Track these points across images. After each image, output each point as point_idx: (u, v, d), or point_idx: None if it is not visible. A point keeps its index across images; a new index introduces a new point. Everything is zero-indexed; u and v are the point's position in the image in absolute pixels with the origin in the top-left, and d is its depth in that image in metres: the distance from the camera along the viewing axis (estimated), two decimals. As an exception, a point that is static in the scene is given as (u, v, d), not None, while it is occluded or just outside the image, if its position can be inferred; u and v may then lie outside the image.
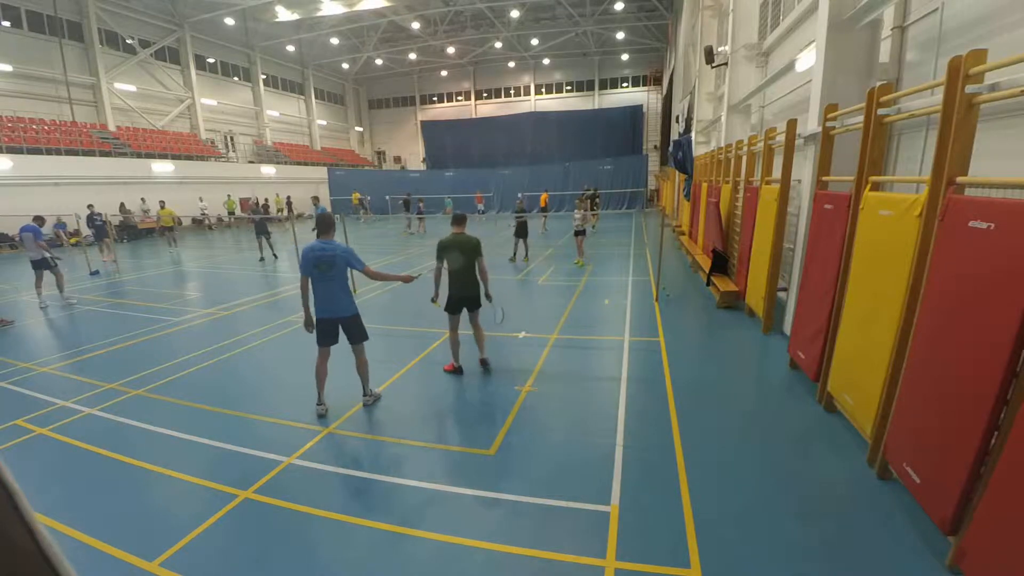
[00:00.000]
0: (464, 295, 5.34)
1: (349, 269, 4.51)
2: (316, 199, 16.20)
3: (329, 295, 4.46)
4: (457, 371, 5.57)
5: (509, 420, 4.54)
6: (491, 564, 2.88)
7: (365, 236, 20.53)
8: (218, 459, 4.04)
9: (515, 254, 12.84)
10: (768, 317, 6.70)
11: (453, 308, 5.42)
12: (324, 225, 4.47)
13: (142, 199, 21.45)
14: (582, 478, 3.65)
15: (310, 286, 4.41)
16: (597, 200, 19.15)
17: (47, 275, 9.44)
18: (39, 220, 9.85)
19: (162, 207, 17.93)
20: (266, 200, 22.56)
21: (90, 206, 15.07)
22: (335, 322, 4.57)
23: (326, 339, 4.61)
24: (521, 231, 12.64)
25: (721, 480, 3.59)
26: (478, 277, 5.37)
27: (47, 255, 9.31)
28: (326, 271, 4.36)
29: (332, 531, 3.18)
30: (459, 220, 5.36)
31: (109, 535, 3.15)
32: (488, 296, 5.47)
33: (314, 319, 4.54)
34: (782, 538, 3.00)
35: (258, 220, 14.77)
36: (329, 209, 32.27)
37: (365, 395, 4.87)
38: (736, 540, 3.00)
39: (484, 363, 5.66)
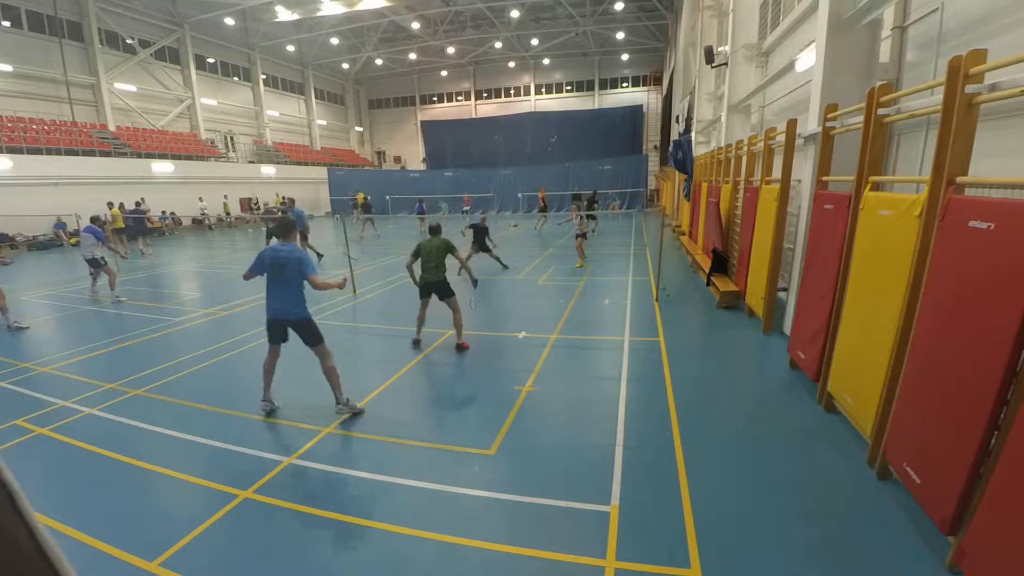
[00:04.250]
0: (428, 280, 6.24)
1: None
2: (291, 200, 15.36)
3: (280, 297, 4.48)
4: (414, 343, 6.50)
5: (509, 420, 4.54)
6: (491, 564, 2.88)
7: (365, 237, 20.51)
8: (218, 459, 4.03)
9: (500, 262, 11.90)
10: (768, 317, 6.69)
11: (422, 292, 6.35)
12: (283, 228, 4.56)
13: (142, 199, 21.43)
14: (582, 478, 3.65)
15: (264, 283, 4.54)
16: (595, 204, 18.51)
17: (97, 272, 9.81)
18: (97, 220, 10.09)
19: (110, 207, 16.83)
20: (264, 201, 22.56)
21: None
22: (284, 323, 4.59)
23: (275, 337, 4.70)
24: (479, 242, 11.44)
25: (721, 480, 3.59)
26: (445, 268, 6.30)
27: (100, 255, 9.68)
28: (278, 273, 4.40)
29: (332, 531, 3.18)
30: (434, 230, 6.45)
31: (109, 535, 3.15)
32: (474, 280, 6.69)
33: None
34: (782, 538, 3.00)
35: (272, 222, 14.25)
36: (330, 209, 32.39)
37: (338, 404, 4.58)
38: (736, 540, 3.00)
39: (459, 348, 6.26)
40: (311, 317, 4.60)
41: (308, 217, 15.58)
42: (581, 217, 12.34)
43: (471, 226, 11.85)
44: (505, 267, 11.94)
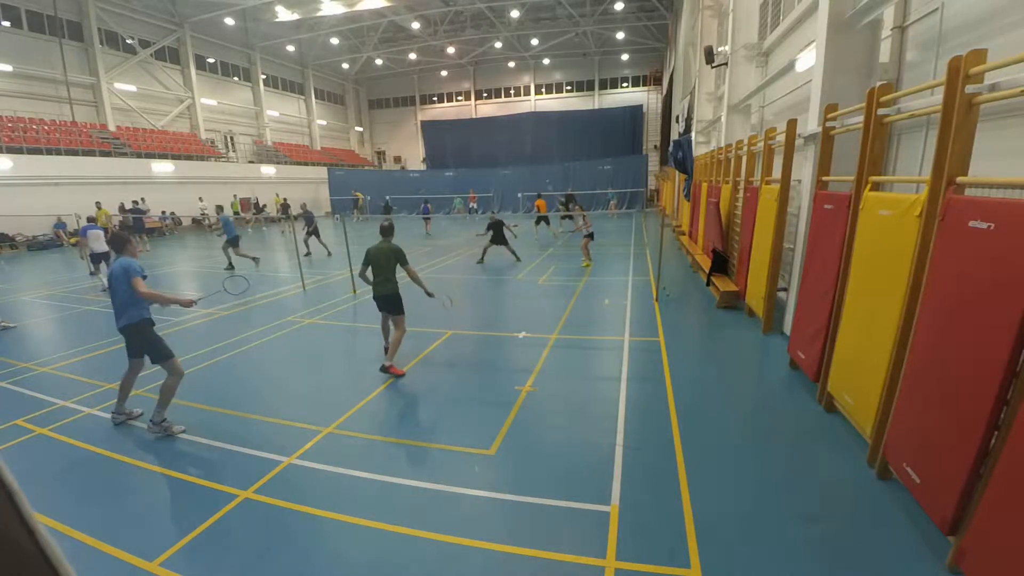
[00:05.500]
0: (378, 294, 5.68)
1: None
2: (219, 208, 15.46)
3: (115, 308, 4.41)
4: (386, 350, 5.87)
5: (509, 420, 4.54)
6: (491, 564, 2.88)
7: (362, 236, 20.52)
8: (218, 459, 4.04)
9: (515, 255, 12.81)
10: (768, 317, 6.69)
11: (377, 305, 5.82)
12: (114, 244, 4.53)
13: (142, 199, 21.46)
14: (582, 478, 3.65)
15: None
16: (567, 206, 18.61)
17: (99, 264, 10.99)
18: (93, 220, 11.97)
19: (99, 207, 17.20)
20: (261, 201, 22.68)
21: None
22: (123, 334, 4.46)
23: (128, 351, 4.57)
24: (498, 238, 12.57)
25: (721, 480, 3.59)
26: (395, 279, 5.67)
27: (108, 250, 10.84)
28: (110, 285, 4.40)
29: (332, 531, 3.18)
30: (384, 231, 5.74)
31: (109, 535, 3.15)
32: (429, 294, 5.88)
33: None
34: (782, 538, 3.00)
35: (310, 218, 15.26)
36: (329, 209, 32.35)
37: (151, 421, 4.38)
38: (736, 540, 3.00)
39: (383, 369, 5.52)
40: (138, 322, 4.38)
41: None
42: (584, 217, 12.31)
43: (488, 226, 12.70)
44: (518, 259, 12.75)
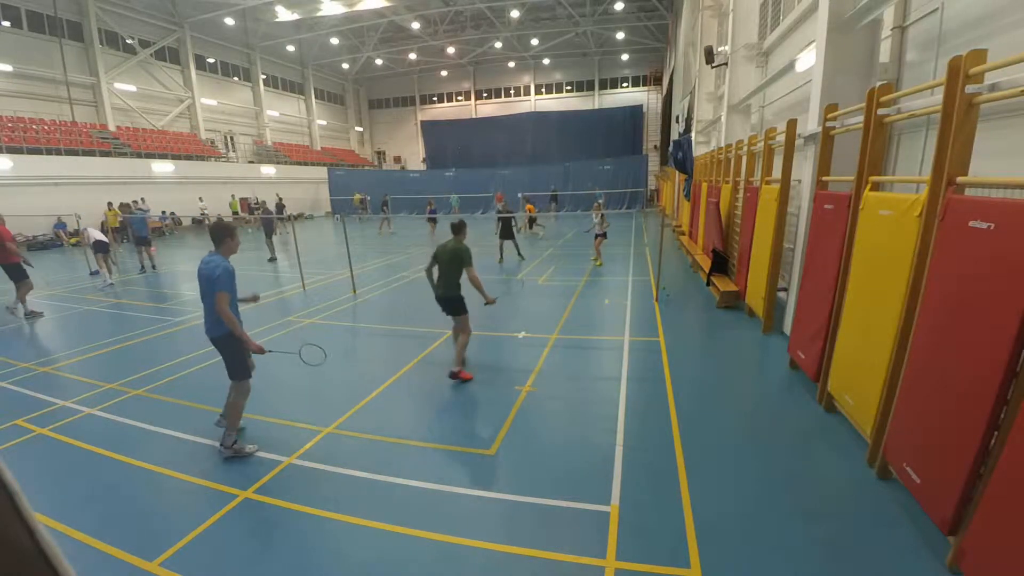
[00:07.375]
0: (438, 296, 5.52)
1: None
2: (128, 205, 14.79)
3: (204, 310, 3.98)
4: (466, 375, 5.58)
5: (509, 420, 4.54)
6: (491, 564, 2.88)
7: (365, 236, 20.51)
8: (218, 459, 4.03)
9: (501, 256, 13.04)
10: (768, 317, 6.69)
11: (440, 307, 5.60)
12: (214, 234, 3.92)
13: (141, 199, 21.45)
14: (582, 478, 3.65)
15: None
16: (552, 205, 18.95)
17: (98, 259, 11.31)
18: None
19: (109, 208, 17.32)
20: (263, 200, 22.58)
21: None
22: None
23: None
24: (506, 233, 12.86)
25: (721, 480, 3.59)
26: (458, 282, 5.42)
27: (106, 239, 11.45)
28: (201, 286, 3.91)
29: (332, 531, 3.18)
30: (455, 229, 5.54)
31: (109, 535, 3.15)
32: (488, 301, 5.53)
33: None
34: (782, 538, 3.00)
35: (265, 221, 15.38)
36: (329, 209, 32.36)
37: (222, 444, 4.02)
38: (736, 540, 3.00)
39: (452, 376, 5.39)
40: (222, 337, 3.95)
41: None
42: (603, 217, 12.27)
43: (499, 218, 13.06)
44: (522, 257, 13.19)
